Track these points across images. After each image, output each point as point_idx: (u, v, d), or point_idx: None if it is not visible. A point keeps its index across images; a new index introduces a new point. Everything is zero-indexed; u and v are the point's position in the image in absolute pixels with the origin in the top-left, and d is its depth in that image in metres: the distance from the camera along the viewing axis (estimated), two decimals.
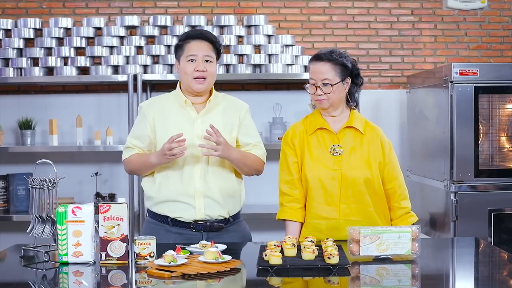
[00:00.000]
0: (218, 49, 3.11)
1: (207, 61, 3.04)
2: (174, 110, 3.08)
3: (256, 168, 3.14)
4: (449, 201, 4.20)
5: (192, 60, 3.03)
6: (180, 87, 3.15)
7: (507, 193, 4.23)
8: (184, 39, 3.08)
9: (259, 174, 3.19)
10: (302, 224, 3.07)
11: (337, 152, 3.01)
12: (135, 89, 4.62)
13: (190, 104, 3.07)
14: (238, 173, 3.16)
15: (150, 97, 4.94)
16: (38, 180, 2.74)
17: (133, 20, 4.80)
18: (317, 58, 3.01)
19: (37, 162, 2.87)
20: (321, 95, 2.98)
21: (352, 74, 3.02)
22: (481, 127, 4.30)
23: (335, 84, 2.96)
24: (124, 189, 4.74)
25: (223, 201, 3.06)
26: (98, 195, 4.79)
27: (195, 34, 3.08)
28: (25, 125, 4.79)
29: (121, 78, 4.65)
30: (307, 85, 3.03)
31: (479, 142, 4.27)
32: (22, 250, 2.82)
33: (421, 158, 4.76)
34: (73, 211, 2.62)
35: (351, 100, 3.07)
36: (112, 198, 4.73)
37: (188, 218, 3.03)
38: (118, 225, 2.63)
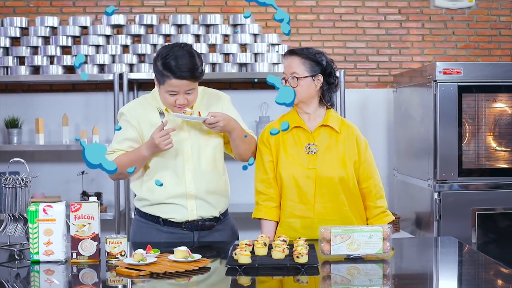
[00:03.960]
0: (200, 75, 2.93)
1: (188, 93, 2.92)
2: (158, 116, 2.99)
3: (252, 149, 3.10)
4: (433, 200, 4.19)
5: (172, 95, 2.90)
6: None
7: (490, 192, 4.23)
8: (166, 70, 2.84)
9: (248, 158, 3.07)
10: (277, 223, 3.07)
11: (312, 151, 3.00)
12: (121, 88, 4.63)
13: (171, 112, 3.00)
14: (226, 172, 3.15)
15: (136, 95, 4.95)
16: (10, 179, 2.74)
17: (119, 19, 4.80)
18: (288, 52, 3.03)
19: (10, 161, 2.87)
20: None
21: (325, 72, 3.00)
22: (467, 126, 4.30)
23: (301, 77, 2.96)
24: (110, 188, 4.75)
25: (215, 201, 3.06)
26: (84, 193, 4.79)
27: (177, 74, 2.83)
28: (12, 124, 4.80)
29: (107, 77, 4.65)
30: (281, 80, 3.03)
31: (464, 142, 4.27)
32: None
33: (407, 157, 4.75)
34: (44, 210, 2.62)
35: (324, 100, 3.05)
36: (98, 196, 4.73)
37: (180, 219, 3.02)
38: (89, 223, 2.63)
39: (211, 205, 3.05)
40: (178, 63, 2.84)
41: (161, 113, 2.88)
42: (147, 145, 2.92)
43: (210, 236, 3.06)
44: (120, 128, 2.92)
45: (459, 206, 4.18)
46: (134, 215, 3.20)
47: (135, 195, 3.14)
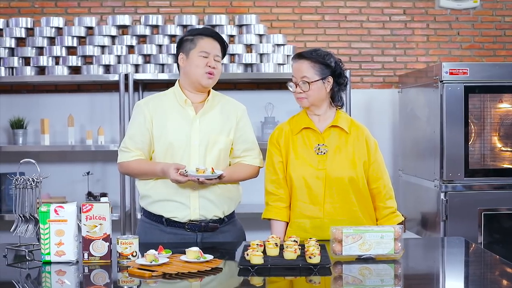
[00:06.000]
0: (225, 51, 3.16)
1: (216, 60, 3.08)
2: (173, 109, 3.07)
3: (249, 177, 3.20)
4: (439, 200, 4.19)
5: (204, 57, 3.04)
6: (179, 85, 3.13)
7: (497, 192, 4.23)
8: (197, 34, 3.08)
9: (254, 177, 3.23)
10: (287, 223, 3.07)
11: (321, 152, 3.01)
12: (126, 89, 4.63)
13: (190, 104, 3.07)
14: None
15: (142, 96, 4.95)
16: (21, 179, 2.74)
17: (125, 20, 4.80)
18: (297, 56, 3.02)
19: (20, 162, 2.87)
20: (300, 93, 2.99)
21: (334, 73, 3.01)
22: (473, 126, 4.30)
23: (312, 82, 2.96)
24: (116, 189, 4.74)
25: (219, 201, 3.07)
26: (90, 194, 4.79)
27: (209, 32, 3.11)
28: (17, 124, 4.80)
29: (112, 77, 4.65)
30: (290, 83, 3.04)
31: (470, 142, 4.27)
32: (6, 249, 2.82)
33: (413, 157, 4.75)
34: (55, 211, 2.62)
35: (335, 100, 3.05)
36: (104, 197, 4.72)
37: (182, 218, 3.03)
38: (100, 224, 2.63)
39: (214, 205, 3.06)
40: (207, 28, 3.25)
41: (185, 171, 2.92)
42: (163, 170, 2.96)
43: (214, 238, 3.06)
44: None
45: (465, 207, 4.18)
46: (141, 215, 3.22)
47: (137, 197, 3.16)
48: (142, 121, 3.06)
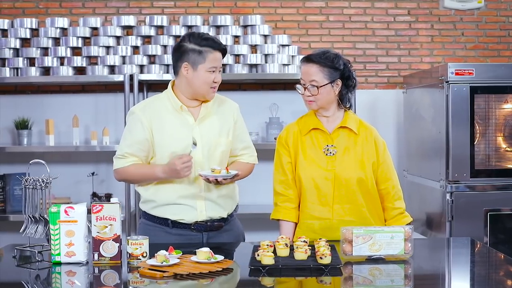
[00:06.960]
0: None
1: (219, 71, 3.05)
2: (170, 114, 3.03)
3: (248, 175, 3.21)
4: (445, 201, 4.20)
5: (213, 71, 2.99)
6: (172, 89, 3.08)
7: (503, 193, 4.23)
8: (205, 46, 2.96)
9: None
10: (296, 224, 3.07)
11: (330, 152, 3.01)
12: (131, 89, 4.62)
13: (186, 109, 3.04)
14: None
15: (146, 97, 4.95)
16: (31, 180, 2.74)
17: (130, 20, 4.80)
18: (306, 59, 3.01)
19: (30, 162, 2.87)
20: (309, 96, 2.99)
21: (343, 76, 3.01)
22: (477, 127, 4.30)
23: (321, 86, 2.96)
24: (120, 189, 4.74)
25: (223, 202, 3.08)
26: (94, 195, 4.79)
27: (217, 46, 2.98)
28: (22, 125, 4.80)
29: (117, 78, 4.65)
30: (298, 86, 3.04)
31: (475, 142, 4.27)
32: (15, 250, 2.82)
33: (418, 158, 4.76)
34: (65, 211, 2.62)
35: (343, 102, 3.06)
36: (108, 198, 4.73)
37: (189, 220, 3.03)
38: (110, 225, 2.62)
39: (220, 206, 3.07)
40: (213, 38, 3.00)
41: (194, 144, 2.92)
42: (164, 170, 2.94)
43: (219, 237, 3.07)
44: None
45: (471, 207, 4.18)
46: (140, 218, 3.20)
47: (140, 199, 3.15)
48: (140, 129, 3.01)
